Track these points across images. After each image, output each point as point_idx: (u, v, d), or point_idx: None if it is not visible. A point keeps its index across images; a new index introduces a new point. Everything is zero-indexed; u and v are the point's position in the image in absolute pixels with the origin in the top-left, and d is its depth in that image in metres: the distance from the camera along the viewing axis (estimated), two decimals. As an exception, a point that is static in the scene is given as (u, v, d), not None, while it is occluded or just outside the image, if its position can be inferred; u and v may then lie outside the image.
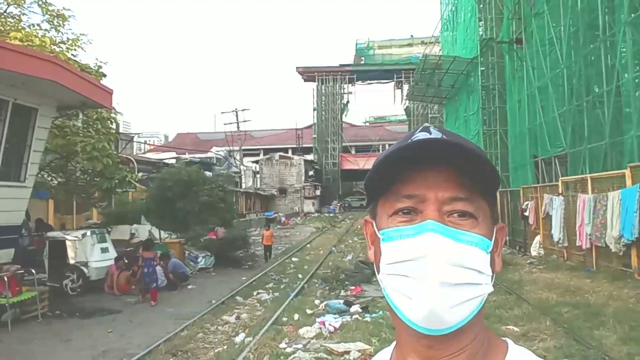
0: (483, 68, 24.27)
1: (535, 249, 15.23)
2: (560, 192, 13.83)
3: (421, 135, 0.76)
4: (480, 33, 24.41)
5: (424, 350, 0.75)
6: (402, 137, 0.81)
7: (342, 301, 9.90)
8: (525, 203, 16.35)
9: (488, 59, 23.86)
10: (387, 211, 0.78)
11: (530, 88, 18.33)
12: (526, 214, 16.12)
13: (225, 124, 49.98)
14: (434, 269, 0.70)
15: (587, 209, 11.74)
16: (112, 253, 12.77)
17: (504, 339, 0.82)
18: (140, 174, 20.61)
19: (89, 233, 12.49)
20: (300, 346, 7.02)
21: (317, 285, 12.37)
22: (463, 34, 27.70)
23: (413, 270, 0.71)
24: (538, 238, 15.23)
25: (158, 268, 12.15)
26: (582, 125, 14.29)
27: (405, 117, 66.14)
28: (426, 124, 0.81)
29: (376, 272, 0.80)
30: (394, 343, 0.84)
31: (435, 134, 0.76)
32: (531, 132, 18.40)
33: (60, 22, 13.56)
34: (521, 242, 17.31)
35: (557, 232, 13.60)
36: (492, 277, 0.76)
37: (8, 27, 12.38)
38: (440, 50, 36.45)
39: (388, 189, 0.78)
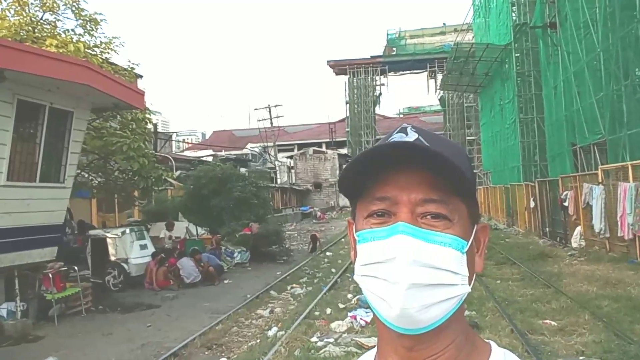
0: (517, 54, 23.67)
1: (576, 240, 14.77)
2: (600, 180, 13.36)
3: (397, 137, 0.76)
4: (514, 18, 23.79)
5: (404, 350, 0.75)
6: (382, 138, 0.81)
7: (374, 295, 9.88)
8: (565, 193, 15.85)
9: (522, 45, 23.24)
10: (363, 213, 0.77)
11: (565, 73, 17.73)
12: (565, 204, 15.64)
13: (259, 120, 50.26)
14: (404, 270, 0.70)
15: (629, 198, 11.31)
16: (151, 249, 13.15)
17: (487, 341, 0.81)
18: (178, 172, 21.07)
19: (128, 231, 12.88)
20: (331, 340, 7.07)
21: (350, 279, 12.39)
22: (496, 19, 27.05)
23: (384, 272, 0.72)
24: (579, 229, 14.75)
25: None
26: (621, 111, 13.70)
27: (440, 107, 64.99)
28: (404, 125, 0.79)
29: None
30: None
31: (412, 135, 0.76)
32: (568, 119, 17.79)
33: (93, 27, 13.88)
34: (561, 233, 16.83)
35: (598, 223, 13.14)
36: (469, 277, 0.75)
37: (44, 34, 12.81)
38: (473, 37, 35.68)
39: (364, 191, 0.77)
